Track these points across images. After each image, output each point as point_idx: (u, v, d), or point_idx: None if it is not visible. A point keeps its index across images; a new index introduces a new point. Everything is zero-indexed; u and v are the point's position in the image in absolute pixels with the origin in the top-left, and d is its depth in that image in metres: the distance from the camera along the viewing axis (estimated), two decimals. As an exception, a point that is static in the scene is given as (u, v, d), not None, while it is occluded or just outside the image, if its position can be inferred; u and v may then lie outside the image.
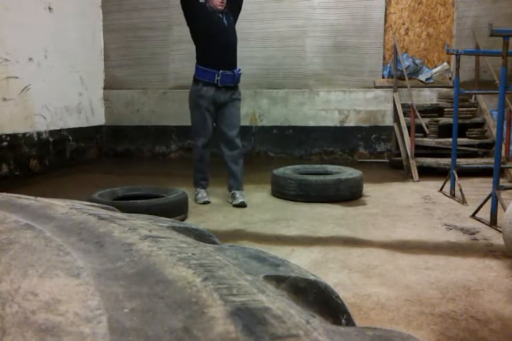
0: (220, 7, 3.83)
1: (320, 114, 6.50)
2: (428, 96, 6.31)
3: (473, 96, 6.08)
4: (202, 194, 4.04)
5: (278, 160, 6.32)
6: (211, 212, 3.72)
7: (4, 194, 0.78)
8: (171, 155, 6.87)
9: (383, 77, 6.53)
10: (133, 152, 6.99)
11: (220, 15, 3.88)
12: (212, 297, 0.43)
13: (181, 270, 0.47)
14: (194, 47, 3.97)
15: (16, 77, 5.11)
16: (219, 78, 3.80)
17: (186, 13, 3.86)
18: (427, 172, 5.14)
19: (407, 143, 5.45)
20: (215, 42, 3.81)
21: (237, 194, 3.93)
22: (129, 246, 0.52)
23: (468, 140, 5.57)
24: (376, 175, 5.40)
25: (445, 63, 6.49)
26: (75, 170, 5.86)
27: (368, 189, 4.43)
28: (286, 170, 4.40)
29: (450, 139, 4.41)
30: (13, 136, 5.08)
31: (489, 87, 5.65)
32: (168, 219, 0.75)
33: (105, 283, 0.44)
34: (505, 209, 2.70)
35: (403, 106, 5.93)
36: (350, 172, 4.28)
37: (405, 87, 5.91)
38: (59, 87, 5.87)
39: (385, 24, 6.47)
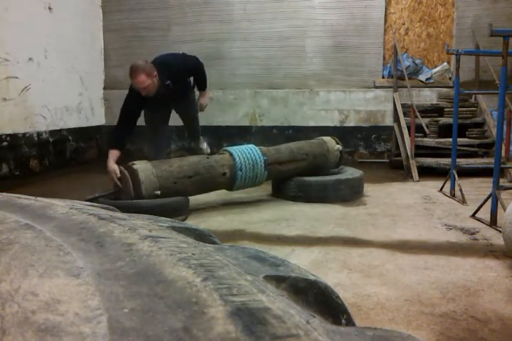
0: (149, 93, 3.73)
1: (320, 114, 6.50)
2: (428, 96, 6.30)
3: (473, 96, 6.08)
4: None
5: (278, 160, 6.31)
6: (211, 212, 3.72)
7: (4, 194, 0.78)
8: (171, 155, 6.87)
9: (383, 77, 6.53)
10: (133, 152, 6.99)
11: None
12: (212, 297, 0.43)
13: (181, 270, 0.47)
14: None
15: (16, 77, 5.11)
16: None
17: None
18: (427, 172, 5.14)
19: (407, 143, 5.45)
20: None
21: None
22: (129, 246, 0.52)
23: (468, 140, 5.57)
24: (376, 175, 5.40)
25: (445, 63, 6.49)
26: (75, 170, 5.86)
27: (368, 189, 4.42)
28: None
29: (450, 139, 4.41)
30: (13, 136, 5.08)
31: (489, 87, 5.65)
32: (168, 219, 0.75)
33: (105, 283, 0.44)
34: (505, 209, 2.70)
35: (403, 106, 5.93)
36: (350, 172, 4.28)
37: (405, 87, 5.91)
38: (59, 87, 5.87)
39: (385, 24, 6.47)
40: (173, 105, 4.25)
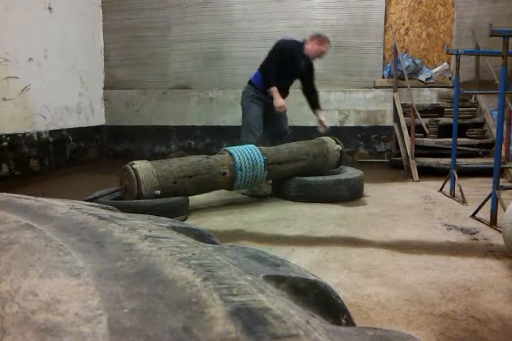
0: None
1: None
2: (428, 96, 6.30)
3: (473, 96, 6.08)
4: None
5: (278, 160, 6.31)
6: (211, 212, 3.72)
7: (4, 194, 0.78)
8: (171, 155, 6.86)
9: (383, 77, 6.53)
10: (133, 152, 6.99)
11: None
12: (212, 297, 0.43)
13: (181, 270, 0.47)
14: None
15: (16, 77, 5.11)
16: None
17: None
18: (427, 172, 5.14)
19: (407, 143, 5.45)
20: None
21: None
22: (129, 246, 0.52)
23: (468, 140, 5.57)
24: (376, 175, 5.40)
25: (445, 63, 6.49)
26: (75, 170, 5.86)
27: (368, 189, 4.42)
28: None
29: (450, 139, 4.41)
30: (13, 136, 5.08)
31: (489, 87, 5.65)
32: (169, 219, 0.75)
33: (105, 283, 0.44)
34: (505, 209, 2.70)
35: (403, 106, 5.93)
36: (350, 173, 4.28)
37: (405, 87, 5.91)
38: (59, 87, 5.87)
39: (385, 24, 6.47)
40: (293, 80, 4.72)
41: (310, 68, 4.66)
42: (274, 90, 4.34)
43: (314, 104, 4.71)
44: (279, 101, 4.32)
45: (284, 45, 4.49)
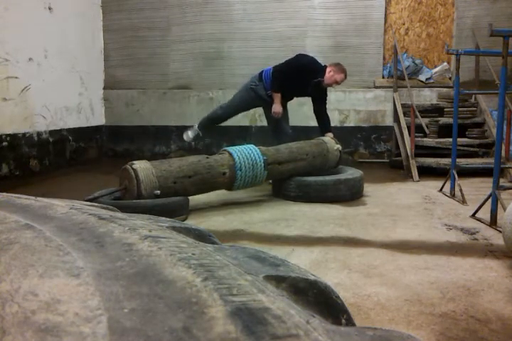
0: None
1: (320, 114, 6.49)
2: (428, 96, 6.30)
3: (473, 96, 6.08)
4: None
5: (278, 160, 6.31)
6: (211, 212, 3.72)
7: (4, 194, 0.78)
8: (171, 155, 6.87)
9: (383, 77, 6.53)
10: (133, 152, 6.99)
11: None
12: (212, 297, 0.43)
13: (181, 270, 0.47)
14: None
15: (16, 77, 5.11)
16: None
17: None
18: (427, 172, 5.14)
19: (407, 143, 5.45)
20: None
21: None
22: (129, 246, 0.52)
23: (468, 140, 5.57)
24: (376, 175, 5.40)
25: (445, 63, 6.48)
26: (74, 170, 5.86)
27: (368, 189, 4.42)
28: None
29: (450, 139, 4.41)
30: (13, 136, 5.08)
31: (489, 87, 5.65)
32: (169, 219, 0.75)
33: (105, 283, 0.44)
34: (505, 209, 2.70)
35: (403, 106, 5.93)
36: (350, 173, 4.28)
37: (405, 87, 5.91)
38: (59, 87, 5.86)
39: (385, 24, 6.47)
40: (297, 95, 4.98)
41: (322, 92, 4.76)
42: (277, 96, 4.59)
43: (323, 127, 4.84)
44: (277, 106, 4.59)
45: (306, 63, 4.64)
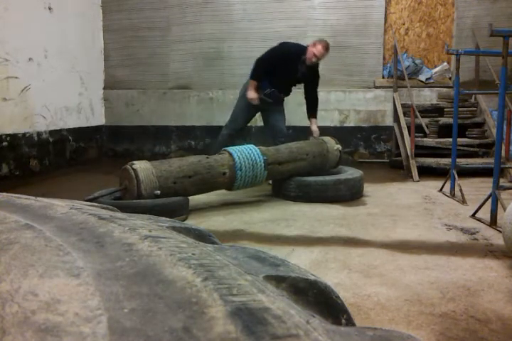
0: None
1: (320, 114, 6.46)
2: (428, 96, 6.30)
3: (473, 96, 6.08)
4: None
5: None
6: (211, 212, 3.72)
7: (4, 194, 0.78)
8: (171, 155, 6.87)
9: (383, 77, 6.52)
10: (133, 152, 6.99)
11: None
12: (212, 297, 0.43)
13: (181, 270, 0.47)
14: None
15: (16, 77, 5.11)
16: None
17: None
18: (427, 172, 5.14)
19: (407, 143, 5.44)
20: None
21: None
22: (129, 246, 0.52)
23: (468, 140, 5.57)
24: (376, 175, 5.40)
25: (445, 63, 6.48)
26: (74, 170, 5.86)
27: (368, 189, 4.42)
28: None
29: (450, 139, 4.41)
30: (13, 136, 5.08)
31: (489, 87, 5.65)
32: (169, 219, 0.75)
33: (105, 283, 0.44)
34: (505, 209, 2.70)
35: (403, 106, 5.93)
36: (350, 172, 4.28)
37: (405, 87, 5.91)
38: (59, 87, 5.86)
39: (385, 24, 6.47)
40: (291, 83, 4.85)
41: (313, 75, 4.72)
42: (252, 83, 4.59)
43: (310, 111, 4.82)
44: (249, 93, 4.58)
45: (290, 47, 4.59)
